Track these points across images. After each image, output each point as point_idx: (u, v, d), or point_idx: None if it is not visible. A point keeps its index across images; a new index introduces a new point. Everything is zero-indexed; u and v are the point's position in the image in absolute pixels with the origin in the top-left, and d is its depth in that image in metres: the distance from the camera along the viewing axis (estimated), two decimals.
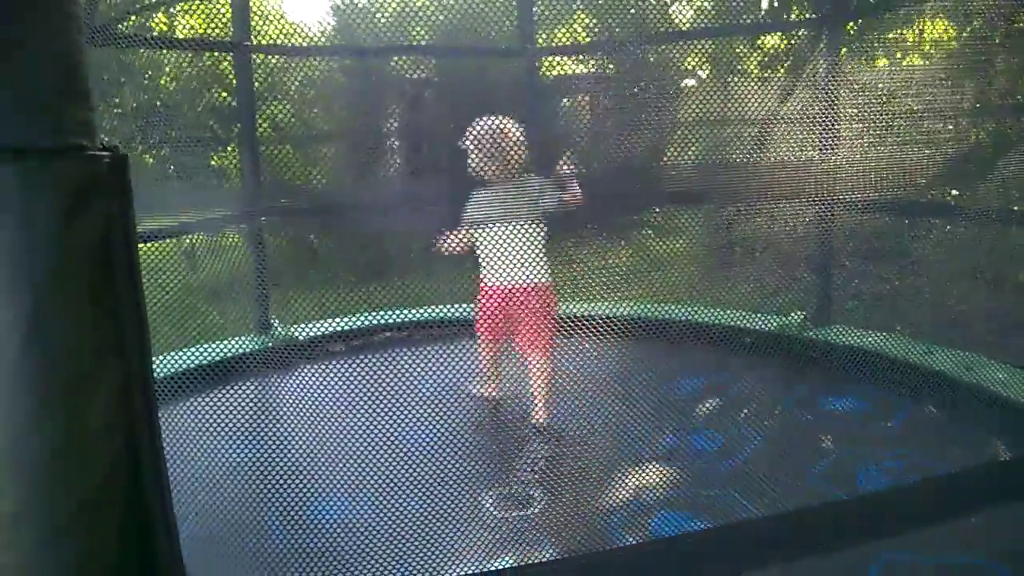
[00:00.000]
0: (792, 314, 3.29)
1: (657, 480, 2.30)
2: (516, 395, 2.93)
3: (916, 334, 2.95)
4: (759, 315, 3.41)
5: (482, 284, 2.77)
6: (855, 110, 3.22)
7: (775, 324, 3.28)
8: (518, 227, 2.64)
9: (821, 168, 3.24)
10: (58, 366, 0.39)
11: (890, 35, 3.73)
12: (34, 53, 0.37)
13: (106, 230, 0.42)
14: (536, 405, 2.73)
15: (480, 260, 2.72)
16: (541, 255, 2.74)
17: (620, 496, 2.21)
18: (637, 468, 2.37)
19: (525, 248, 2.68)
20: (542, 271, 2.75)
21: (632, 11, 4.40)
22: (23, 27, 0.36)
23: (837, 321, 3.28)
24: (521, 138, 2.74)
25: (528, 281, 2.72)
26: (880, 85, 3.31)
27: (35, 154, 0.38)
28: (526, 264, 2.70)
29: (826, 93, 3.22)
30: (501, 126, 2.73)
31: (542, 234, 2.75)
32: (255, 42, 3.52)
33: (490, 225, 2.64)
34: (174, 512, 0.44)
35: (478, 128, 2.72)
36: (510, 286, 2.72)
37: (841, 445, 2.44)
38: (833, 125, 3.11)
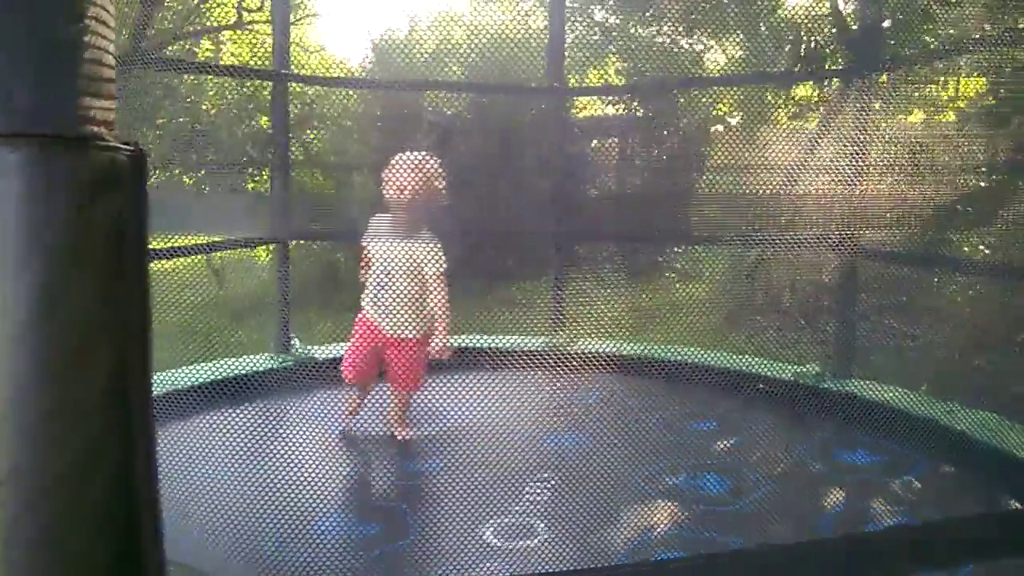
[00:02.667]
0: (809, 364, 3.27)
1: (660, 520, 2.29)
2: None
3: (937, 392, 2.91)
4: (776, 363, 3.39)
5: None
6: (883, 161, 3.23)
7: (791, 373, 3.26)
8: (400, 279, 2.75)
9: (846, 217, 3.25)
10: (61, 336, 0.42)
11: (923, 89, 3.75)
12: (63, 46, 0.41)
13: (120, 219, 0.45)
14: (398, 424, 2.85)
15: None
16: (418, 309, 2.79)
17: (622, 534, 2.20)
18: (642, 507, 2.36)
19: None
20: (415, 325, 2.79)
21: (662, 57, 4.47)
22: (54, 22, 0.39)
23: (857, 374, 3.25)
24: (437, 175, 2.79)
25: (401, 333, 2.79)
26: (910, 137, 3.31)
27: (59, 141, 0.42)
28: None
29: (854, 143, 3.24)
30: (426, 161, 2.77)
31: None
32: (296, 73, 3.63)
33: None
34: (159, 493, 0.46)
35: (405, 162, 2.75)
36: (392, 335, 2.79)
37: (851, 498, 2.41)
38: (860, 176, 3.12)
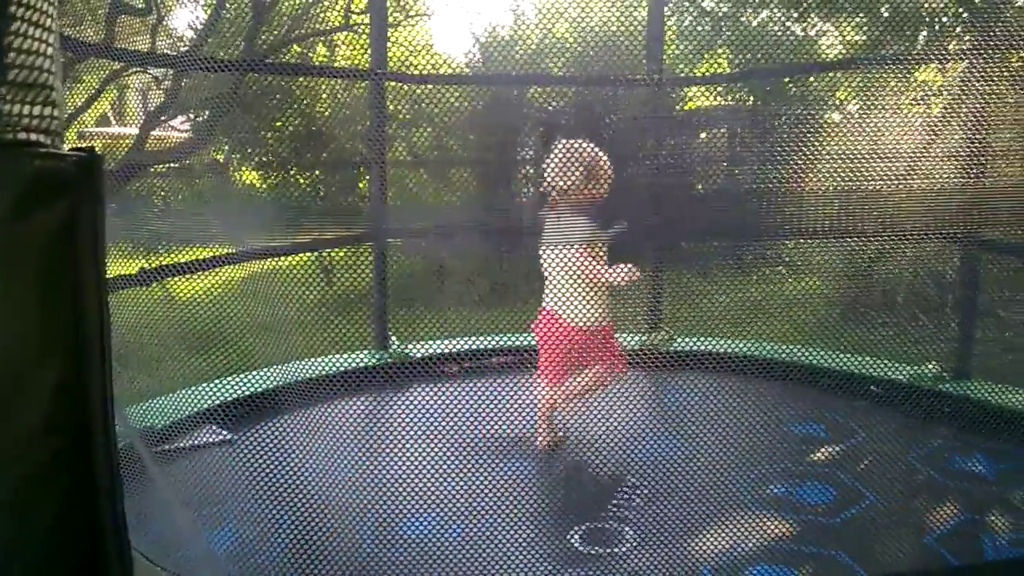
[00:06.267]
0: (927, 364, 3.03)
1: (757, 529, 2.17)
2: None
3: None
4: (890, 363, 3.16)
5: (563, 320, 2.66)
6: (1011, 144, 2.95)
7: (907, 374, 3.03)
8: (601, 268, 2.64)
9: (971, 207, 2.99)
10: None
11: None
12: None
13: (64, 229, 0.42)
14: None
15: (561, 293, 2.63)
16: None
17: (714, 543, 2.10)
18: (737, 514, 2.25)
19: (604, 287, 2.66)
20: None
21: (774, 46, 4.26)
22: None
23: (978, 375, 2.99)
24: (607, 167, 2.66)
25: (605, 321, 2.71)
26: None
27: None
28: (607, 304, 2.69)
29: (978, 126, 2.97)
30: (594, 152, 2.65)
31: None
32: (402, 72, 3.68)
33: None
34: (125, 517, 0.44)
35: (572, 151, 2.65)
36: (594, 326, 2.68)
37: (969, 510, 2.21)
38: (986, 161, 2.86)
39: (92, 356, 0.44)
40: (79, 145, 0.43)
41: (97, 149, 0.45)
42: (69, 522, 0.42)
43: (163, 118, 5.42)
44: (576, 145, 2.65)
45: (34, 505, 0.43)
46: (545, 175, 2.64)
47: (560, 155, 2.63)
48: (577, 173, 2.57)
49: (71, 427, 0.43)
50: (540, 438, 2.75)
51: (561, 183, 2.58)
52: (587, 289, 2.62)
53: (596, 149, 2.65)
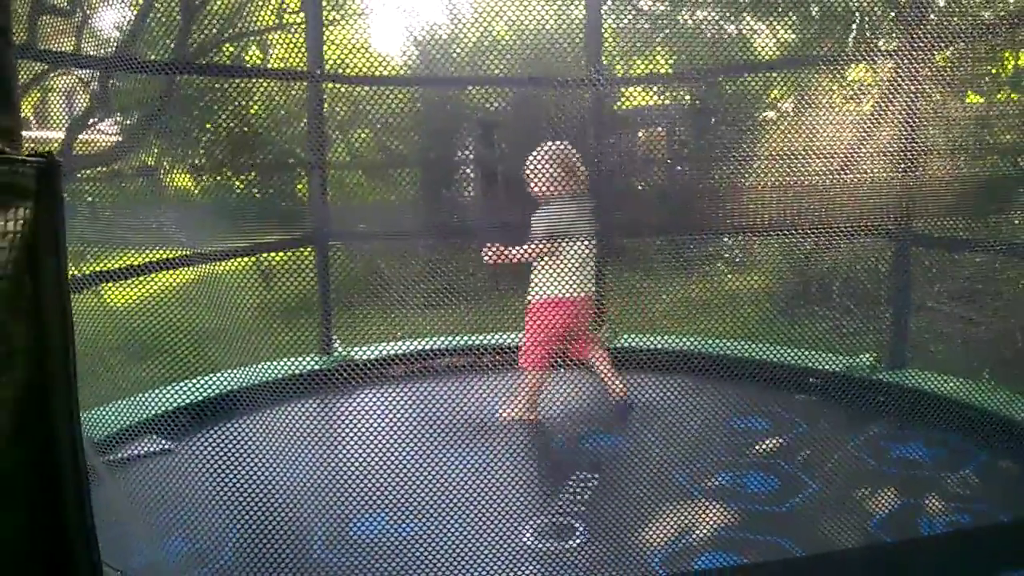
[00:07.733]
0: (862, 355, 3.13)
1: (705, 520, 2.21)
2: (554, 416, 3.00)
3: (998, 380, 2.77)
4: (828, 355, 3.26)
5: (551, 297, 2.90)
6: (941, 143, 3.07)
7: (843, 365, 3.13)
8: (589, 243, 2.91)
9: (904, 203, 3.10)
10: None
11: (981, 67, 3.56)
12: None
13: (29, 233, 0.41)
14: (613, 385, 2.92)
15: (550, 274, 2.88)
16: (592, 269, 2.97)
17: (664, 533, 2.13)
18: (685, 506, 2.28)
19: (592, 262, 2.94)
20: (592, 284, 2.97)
21: (711, 45, 4.34)
22: None
23: (914, 364, 3.11)
24: (581, 162, 2.91)
25: (590, 292, 2.94)
26: (965, 117, 3.15)
27: None
28: (591, 277, 2.94)
29: (910, 126, 3.08)
30: (567, 150, 2.92)
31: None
32: (338, 72, 3.63)
33: (569, 241, 2.88)
34: (94, 526, 0.42)
35: (547, 151, 2.92)
36: (584, 297, 2.92)
37: (905, 495, 2.30)
38: (918, 159, 2.97)
39: (56, 363, 0.43)
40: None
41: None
42: (36, 532, 0.41)
43: (90, 121, 5.23)
44: (557, 146, 2.94)
45: None
46: (530, 174, 2.90)
47: (543, 156, 2.91)
48: (558, 171, 2.86)
49: (36, 437, 0.41)
50: (520, 413, 2.93)
51: (544, 181, 2.86)
52: (572, 264, 2.87)
53: (572, 149, 2.94)
